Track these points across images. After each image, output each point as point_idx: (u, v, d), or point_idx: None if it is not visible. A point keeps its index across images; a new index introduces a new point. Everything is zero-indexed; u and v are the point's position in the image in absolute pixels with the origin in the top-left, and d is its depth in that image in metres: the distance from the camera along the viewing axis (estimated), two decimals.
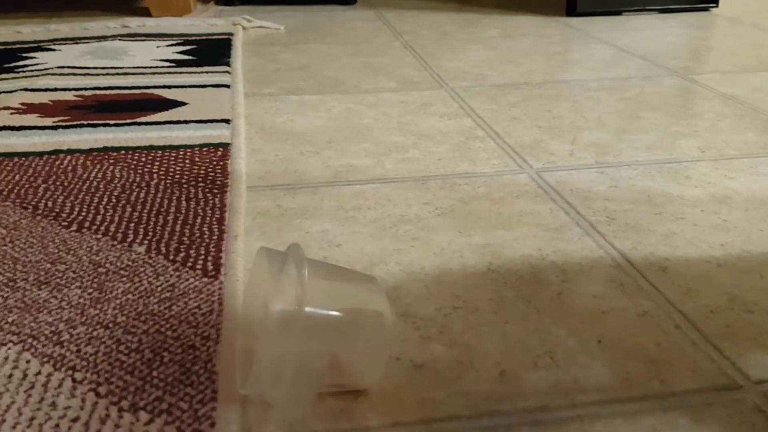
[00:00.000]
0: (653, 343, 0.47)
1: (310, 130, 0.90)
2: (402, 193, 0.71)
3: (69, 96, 0.99)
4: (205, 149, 0.79)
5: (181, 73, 1.11)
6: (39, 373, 0.43)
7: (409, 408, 0.41)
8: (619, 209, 0.67)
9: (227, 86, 1.04)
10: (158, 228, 0.61)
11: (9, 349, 0.45)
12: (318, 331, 0.38)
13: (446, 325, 0.49)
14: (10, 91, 1.01)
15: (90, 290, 0.52)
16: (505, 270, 0.56)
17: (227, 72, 1.12)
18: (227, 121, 0.89)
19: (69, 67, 1.15)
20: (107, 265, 0.55)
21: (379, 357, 0.41)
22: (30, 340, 0.46)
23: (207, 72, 1.12)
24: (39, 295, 0.51)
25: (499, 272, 0.55)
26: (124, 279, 0.53)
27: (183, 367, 0.43)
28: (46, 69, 1.13)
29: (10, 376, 0.42)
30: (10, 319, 0.48)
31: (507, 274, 0.55)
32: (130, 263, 0.56)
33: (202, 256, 0.56)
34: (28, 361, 0.44)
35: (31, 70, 1.13)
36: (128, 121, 0.89)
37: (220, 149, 0.79)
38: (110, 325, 0.48)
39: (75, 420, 0.39)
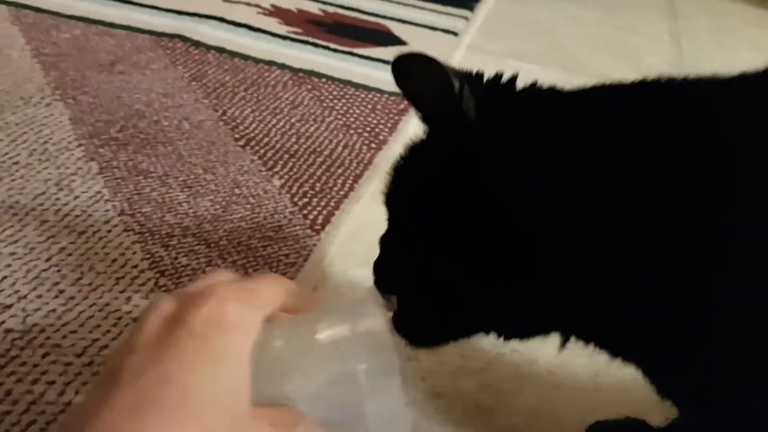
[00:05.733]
0: None
1: None
2: None
3: (314, 8, 1.07)
4: (392, 98, 0.82)
5: (422, 8, 1.14)
6: (136, 266, 0.51)
7: None
8: None
9: (456, 34, 1.05)
10: (304, 167, 0.67)
11: (128, 236, 0.54)
12: None
13: None
14: None
15: (217, 206, 0.59)
16: None
17: (466, 18, 1.12)
18: None
19: None
20: (243, 188, 0.62)
21: None
22: (147, 234, 0.55)
23: (447, 13, 1.12)
24: (178, 196, 0.60)
25: None
26: (248, 207, 0.60)
27: None
28: None
29: (126, 274, 0.51)
30: (143, 210, 0.57)
31: None
32: (261, 193, 0.62)
33: (319, 209, 0.61)
34: (134, 253, 0.53)
35: None
36: (347, 49, 0.94)
37: (405, 103, 0.82)
38: (212, 245, 0.55)
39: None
